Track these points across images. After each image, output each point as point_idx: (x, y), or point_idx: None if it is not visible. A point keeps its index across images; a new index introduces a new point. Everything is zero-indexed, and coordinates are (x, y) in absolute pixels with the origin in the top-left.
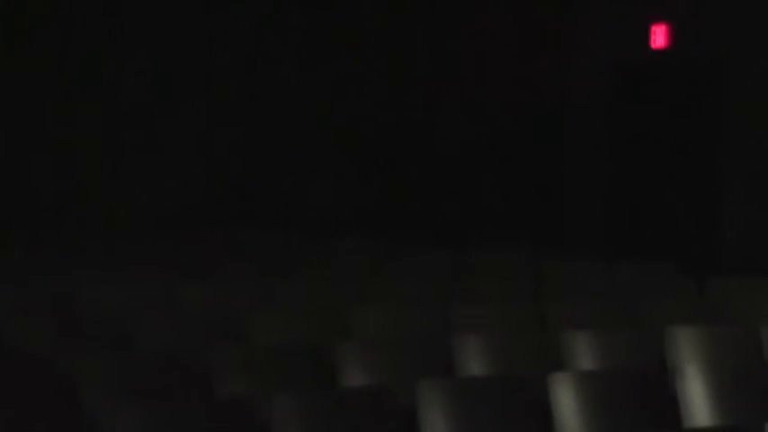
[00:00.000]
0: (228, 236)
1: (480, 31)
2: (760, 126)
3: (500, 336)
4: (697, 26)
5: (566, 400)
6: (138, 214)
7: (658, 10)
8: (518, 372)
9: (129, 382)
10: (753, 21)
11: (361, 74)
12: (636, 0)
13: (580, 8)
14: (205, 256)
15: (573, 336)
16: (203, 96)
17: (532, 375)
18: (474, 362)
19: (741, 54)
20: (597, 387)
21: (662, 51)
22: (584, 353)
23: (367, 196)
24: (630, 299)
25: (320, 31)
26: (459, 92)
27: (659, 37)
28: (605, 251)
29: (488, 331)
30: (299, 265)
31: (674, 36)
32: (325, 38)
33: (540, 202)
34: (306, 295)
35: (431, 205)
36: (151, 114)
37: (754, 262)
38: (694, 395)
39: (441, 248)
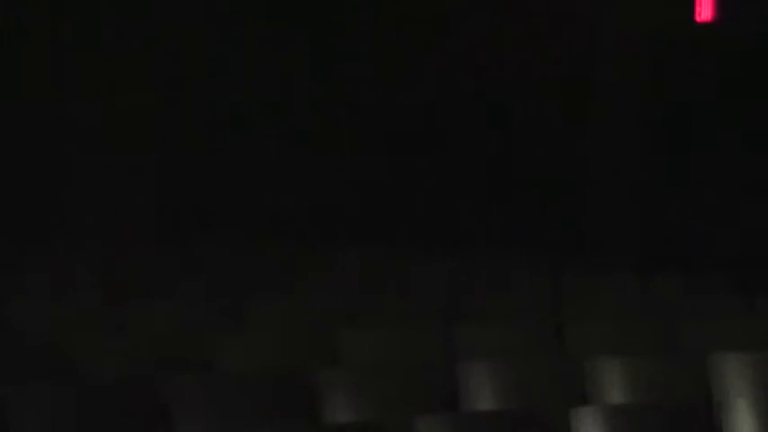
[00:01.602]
0: (188, 245)
1: None
2: None
3: (513, 363)
4: None
5: None
6: (84, 223)
7: None
8: (534, 406)
9: (70, 417)
10: None
11: (355, 47)
12: None
13: None
14: (161, 270)
15: (599, 363)
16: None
17: (551, 410)
18: (482, 394)
19: None
20: (628, 424)
21: (707, 26)
22: (613, 383)
23: (354, 197)
24: (668, 319)
25: (303, 21)
26: (469, 69)
27: (705, 9)
28: (638, 262)
29: (499, 357)
30: (275, 279)
31: (723, 8)
32: (312, 28)
33: (561, 201)
34: (283, 314)
35: (432, 206)
36: (102, 118)
37: None
38: None
39: (444, 259)
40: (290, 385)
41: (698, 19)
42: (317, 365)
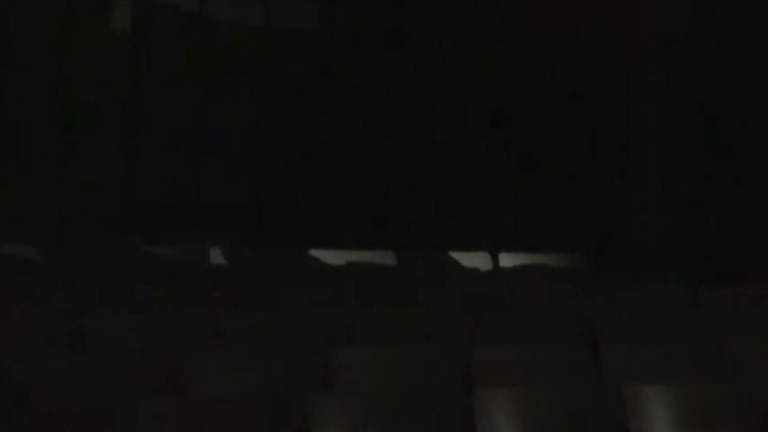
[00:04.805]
0: (157, 253)
1: None
2: None
3: (537, 389)
4: None
5: None
6: (36, 224)
7: None
8: None
9: None
10: None
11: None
12: None
13: None
14: (124, 280)
15: (640, 390)
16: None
17: None
18: (501, 424)
19: None
20: None
21: None
22: (657, 414)
23: (355, 195)
24: (720, 338)
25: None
26: (491, 41)
27: None
28: (685, 271)
29: (521, 383)
30: (258, 291)
31: None
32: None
33: (596, 202)
34: (267, 331)
35: (444, 204)
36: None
37: None
38: None
39: (457, 267)
40: (276, 411)
41: None
42: (308, 389)
